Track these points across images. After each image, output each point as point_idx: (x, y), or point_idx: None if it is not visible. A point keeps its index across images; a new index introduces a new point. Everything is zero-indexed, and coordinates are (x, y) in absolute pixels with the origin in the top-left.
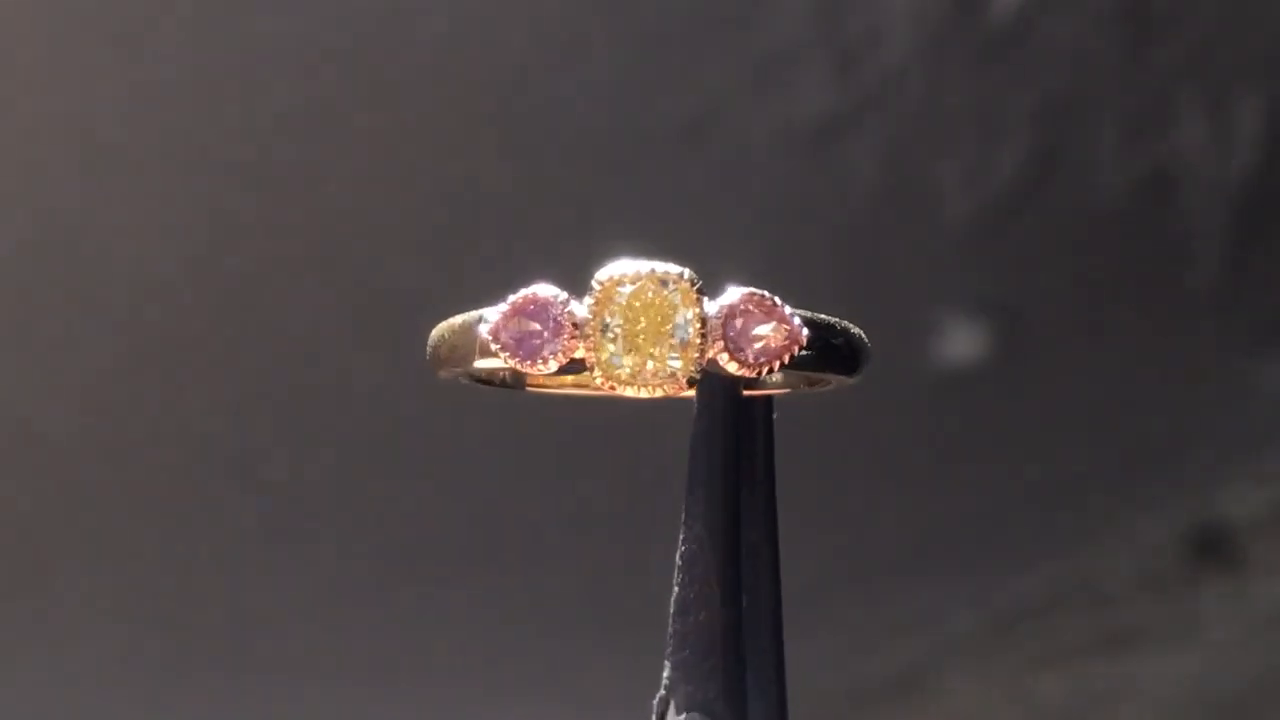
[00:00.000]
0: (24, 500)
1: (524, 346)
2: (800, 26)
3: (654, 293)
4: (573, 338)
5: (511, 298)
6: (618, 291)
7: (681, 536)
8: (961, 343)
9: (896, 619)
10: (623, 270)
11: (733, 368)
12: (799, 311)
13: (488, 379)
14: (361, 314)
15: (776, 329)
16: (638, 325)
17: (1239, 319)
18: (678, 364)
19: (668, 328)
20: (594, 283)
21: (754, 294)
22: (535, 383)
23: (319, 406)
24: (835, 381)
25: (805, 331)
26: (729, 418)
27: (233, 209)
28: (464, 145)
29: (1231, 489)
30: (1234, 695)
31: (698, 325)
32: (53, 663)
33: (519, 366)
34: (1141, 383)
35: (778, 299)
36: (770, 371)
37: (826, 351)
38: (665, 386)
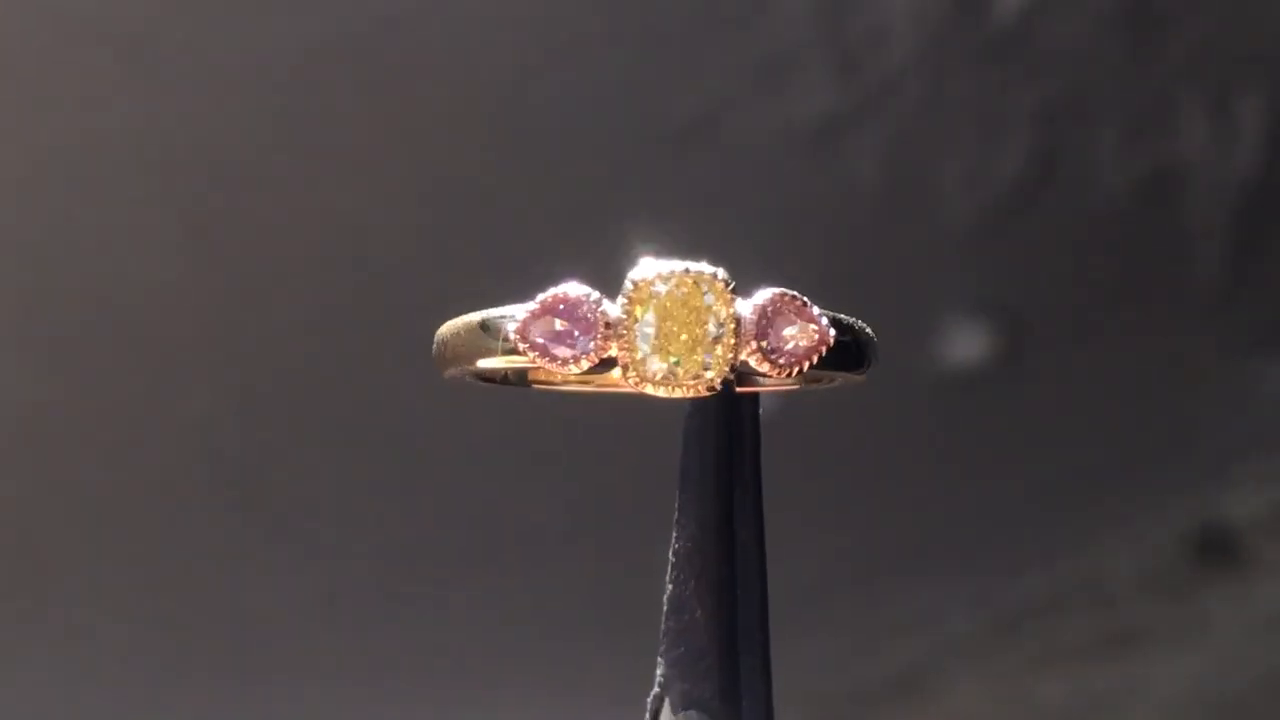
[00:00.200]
0: (24, 500)
1: (553, 346)
2: (801, 27)
3: (689, 292)
4: (606, 338)
5: (540, 296)
6: (652, 291)
7: (674, 534)
8: (963, 343)
9: (898, 619)
10: (656, 269)
11: (764, 369)
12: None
13: (492, 377)
14: (363, 315)
15: (805, 329)
16: (672, 326)
17: (1240, 319)
18: (711, 365)
19: (702, 329)
20: (628, 282)
21: (785, 294)
22: (538, 380)
23: (319, 407)
24: (841, 378)
25: (833, 332)
26: (722, 415)
27: (235, 209)
28: (465, 146)
29: (1233, 489)
30: (1236, 695)
31: (732, 326)
32: (52, 663)
33: (547, 366)
34: (1143, 383)
35: (806, 299)
36: (801, 373)
37: (836, 349)
38: (698, 387)
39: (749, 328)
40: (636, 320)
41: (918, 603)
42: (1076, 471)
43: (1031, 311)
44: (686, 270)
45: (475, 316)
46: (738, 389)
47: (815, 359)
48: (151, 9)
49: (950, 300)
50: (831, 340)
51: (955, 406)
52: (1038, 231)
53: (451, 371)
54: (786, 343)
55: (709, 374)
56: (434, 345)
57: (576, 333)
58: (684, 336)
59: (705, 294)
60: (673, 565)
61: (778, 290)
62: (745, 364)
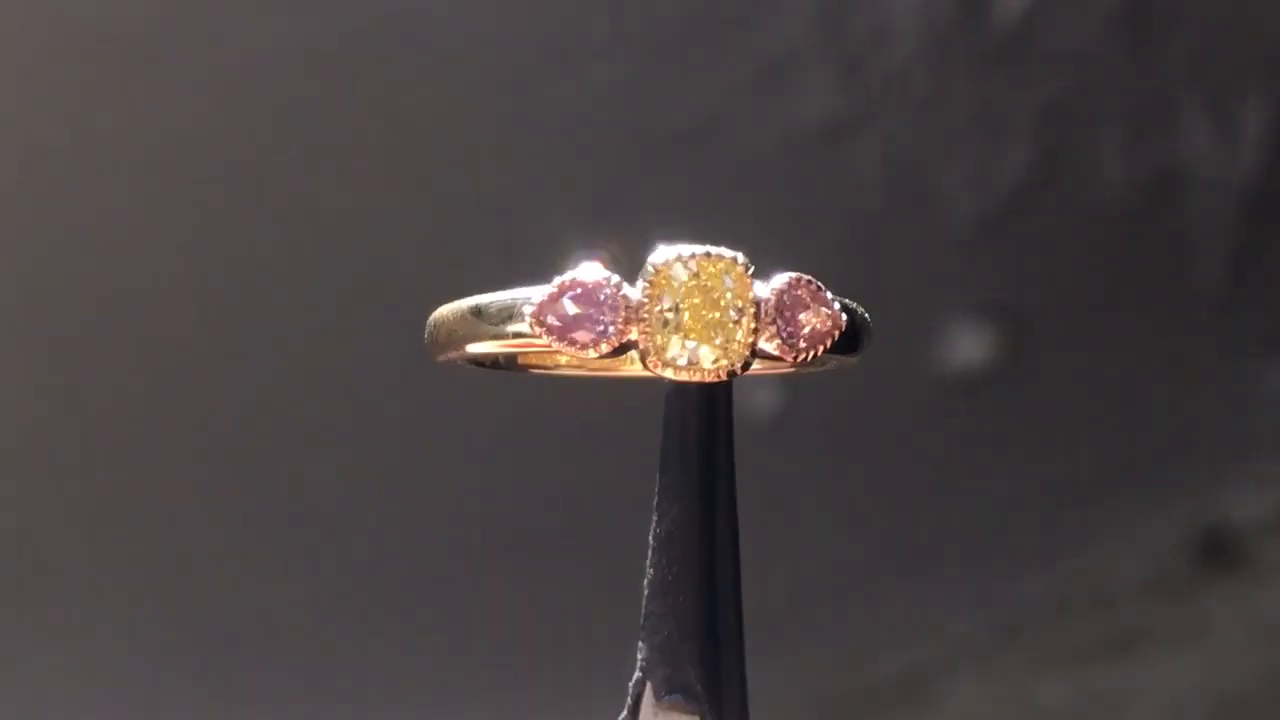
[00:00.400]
0: (24, 501)
1: (572, 329)
2: (804, 29)
3: (709, 276)
4: (627, 321)
5: (558, 278)
6: (672, 275)
7: (655, 519)
8: (965, 344)
9: (900, 621)
10: (677, 252)
11: (781, 352)
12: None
13: (483, 362)
14: (363, 315)
15: (819, 313)
16: (693, 310)
17: (1243, 321)
18: (731, 349)
19: (723, 313)
20: (648, 265)
21: (800, 278)
22: (531, 364)
23: (319, 408)
24: (836, 361)
25: (844, 317)
26: (702, 399)
27: (235, 210)
28: (465, 147)
29: (1236, 491)
30: (1238, 697)
31: (751, 310)
32: (52, 664)
33: (565, 350)
34: (1145, 385)
35: (820, 283)
36: (817, 358)
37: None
38: (718, 372)
39: (767, 312)
40: (657, 304)
41: (918, 604)
42: (1078, 472)
43: (1033, 312)
44: (707, 254)
45: (467, 302)
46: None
47: (829, 343)
48: (151, 9)
49: (952, 301)
50: (844, 325)
51: (957, 407)
52: (1040, 233)
53: (443, 356)
54: (803, 327)
55: (728, 358)
56: (426, 330)
57: (598, 316)
58: (704, 320)
59: (725, 278)
60: (653, 550)
61: (794, 274)
62: (761, 348)
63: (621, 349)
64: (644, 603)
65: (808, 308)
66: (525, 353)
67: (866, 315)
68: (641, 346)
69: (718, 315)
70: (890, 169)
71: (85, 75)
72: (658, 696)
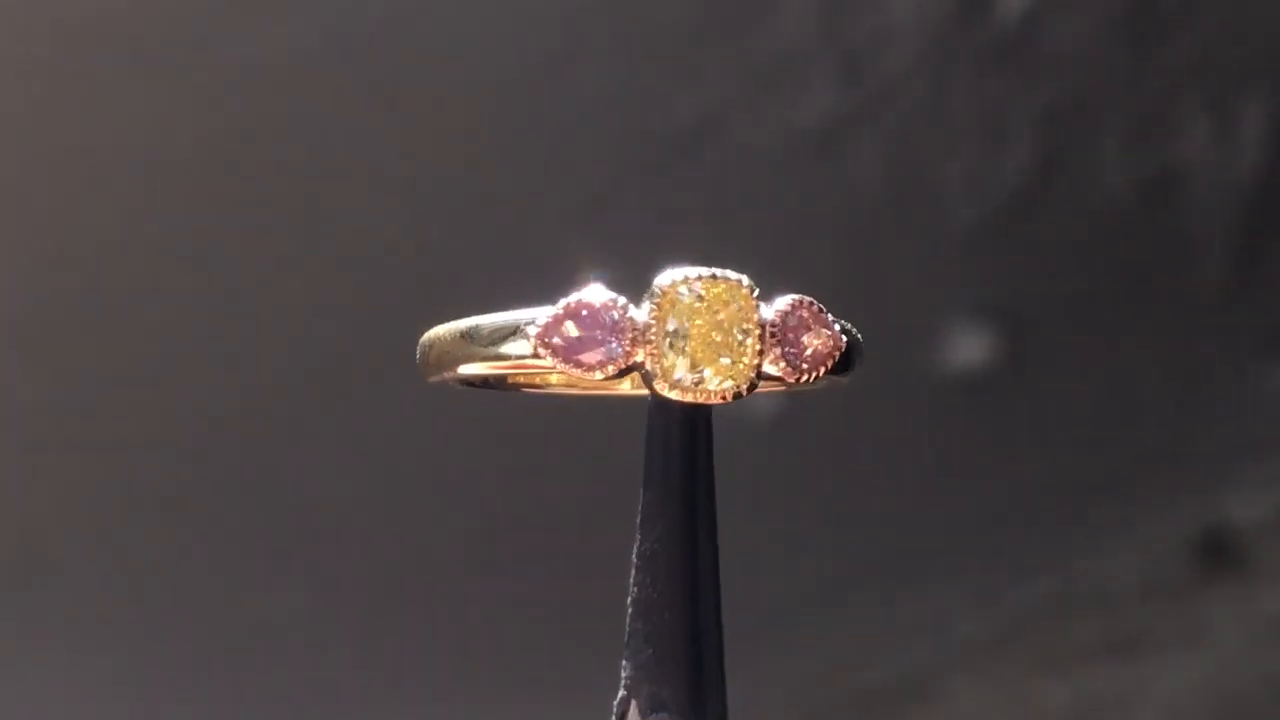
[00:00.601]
0: (24, 501)
1: (578, 351)
2: (805, 31)
3: (715, 298)
4: (634, 343)
5: (563, 300)
6: (679, 297)
7: (639, 537)
8: (966, 347)
9: (901, 623)
10: (684, 274)
11: (785, 374)
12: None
13: (475, 382)
14: (363, 316)
15: (821, 335)
16: (700, 332)
17: (1244, 322)
18: (736, 371)
19: (729, 335)
20: (655, 288)
21: (802, 300)
22: (525, 383)
23: (319, 409)
24: (828, 381)
25: (844, 338)
26: (684, 417)
27: (235, 212)
28: (465, 147)
29: (1237, 492)
30: (1239, 698)
31: (756, 332)
32: (52, 664)
33: (570, 372)
34: (1146, 386)
35: (821, 305)
36: (816, 379)
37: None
38: (724, 394)
39: (772, 334)
40: (664, 326)
41: (922, 607)
42: (1078, 473)
43: (1034, 314)
44: (713, 276)
45: (458, 325)
46: None
47: (830, 364)
48: (152, 9)
49: (953, 303)
50: (844, 345)
51: (957, 409)
52: (1040, 233)
53: (433, 378)
54: (805, 349)
55: (734, 380)
56: (418, 351)
57: (604, 338)
58: (711, 343)
59: (731, 300)
60: (637, 568)
61: (796, 296)
62: (764, 369)
63: (627, 371)
64: (627, 621)
65: (810, 329)
66: (515, 374)
67: (859, 335)
68: (648, 369)
69: (724, 337)
70: (890, 169)
71: (85, 75)
72: (643, 715)
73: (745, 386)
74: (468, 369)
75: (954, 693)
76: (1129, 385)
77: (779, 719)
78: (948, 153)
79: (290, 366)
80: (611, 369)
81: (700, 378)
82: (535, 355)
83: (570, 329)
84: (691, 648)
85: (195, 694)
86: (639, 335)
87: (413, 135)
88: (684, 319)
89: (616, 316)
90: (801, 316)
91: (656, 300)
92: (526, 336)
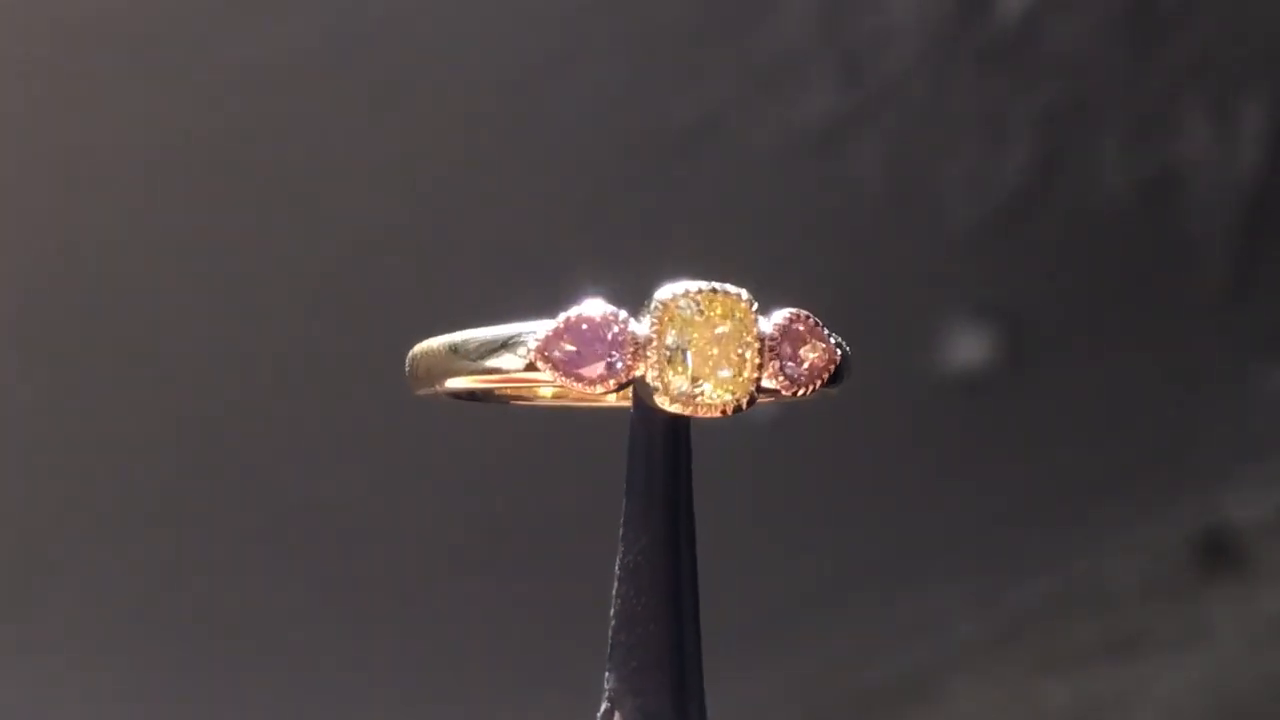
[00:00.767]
0: (24, 501)
1: (578, 365)
2: (805, 31)
3: (715, 312)
4: (635, 357)
5: (563, 314)
6: (679, 311)
7: (621, 549)
8: (966, 347)
9: (901, 623)
10: (684, 288)
11: (782, 387)
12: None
13: (463, 395)
14: (363, 316)
15: (817, 348)
16: (700, 346)
17: (1244, 322)
18: (736, 385)
19: (729, 349)
20: (655, 302)
21: (799, 313)
22: (513, 396)
23: (319, 409)
24: (820, 393)
25: (839, 351)
26: (667, 428)
27: (235, 212)
28: (465, 148)
29: (1237, 493)
30: (1239, 698)
31: (756, 346)
32: (52, 664)
33: (571, 385)
34: (1146, 386)
35: (817, 318)
36: (812, 392)
37: None
38: (725, 408)
39: (770, 348)
40: (664, 339)
41: (922, 607)
42: (1078, 473)
43: (1034, 314)
44: (713, 290)
45: (445, 339)
46: None
47: (826, 377)
48: (152, 9)
49: (953, 303)
50: (839, 358)
51: (957, 410)
52: (1040, 233)
53: (422, 391)
54: (803, 362)
55: (734, 394)
56: (406, 365)
57: (605, 352)
58: (711, 356)
59: (731, 314)
60: (621, 580)
61: (793, 310)
62: (762, 383)
63: (627, 385)
64: (610, 633)
65: (806, 342)
66: (502, 387)
67: (849, 348)
68: (649, 382)
69: (724, 351)
70: (890, 169)
71: (85, 75)
72: None
73: (745, 400)
74: (455, 383)
75: (954, 693)
76: (1129, 385)
77: (779, 719)
78: (948, 153)
79: (290, 366)
80: (613, 382)
81: (700, 391)
82: (533, 369)
83: (570, 343)
84: (675, 659)
85: (195, 694)
86: (639, 349)
87: (413, 135)
88: (684, 333)
89: (617, 330)
90: (798, 330)
91: (657, 314)
92: (517, 351)
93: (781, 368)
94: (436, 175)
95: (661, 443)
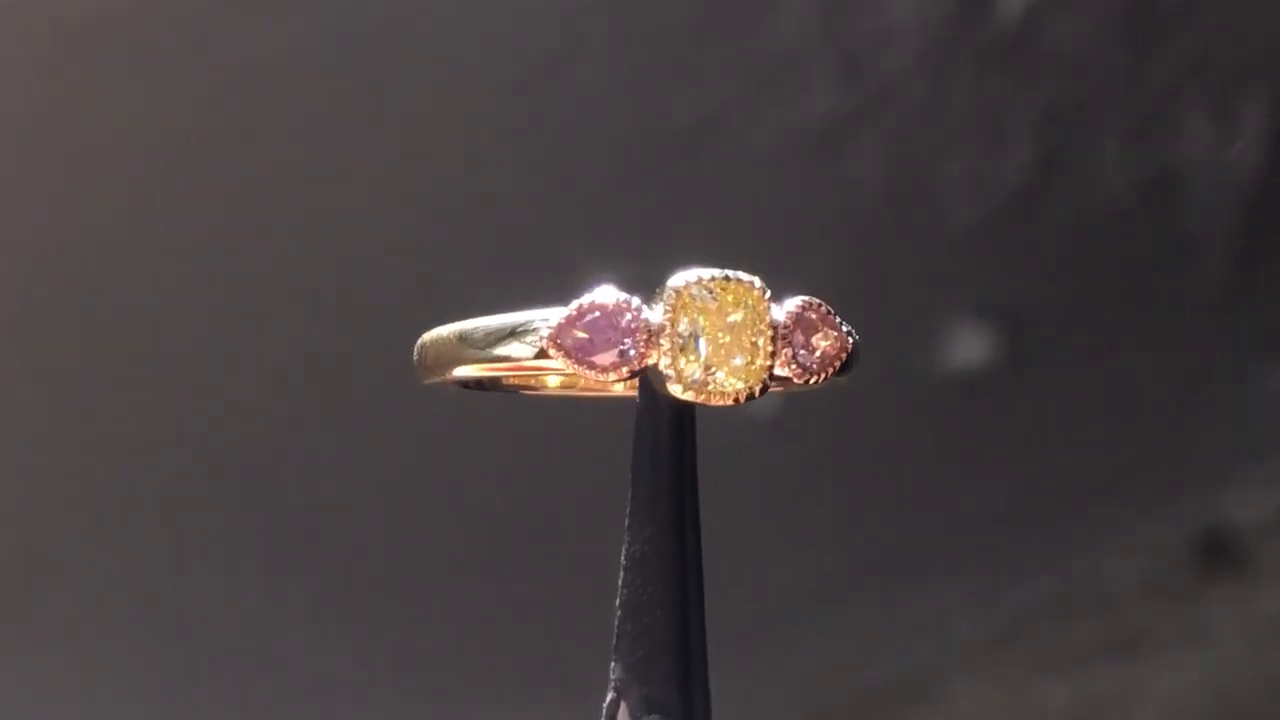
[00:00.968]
0: (24, 502)
1: (590, 353)
2: (805, 31)
3: (728, 300)
4: (649, 344)
5: (575, 301)
6: (691, 298)
7: (628, 538)
8: (966, 347)
9: (901, 623)
10: (697, 275)
11: (795, 375)
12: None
13: (470, 384)
14: (363, 316)
15: (829, 336)
16: (714, 333)
17: (1244, 322)
18: (749, 372)
19: (742, 337)
20: (668, 289)
21: (811, 302)
22: (521, 385)
23: (319, 409)
24: (829, 382)
25: (851, 340)
26: (672, 417)
27: (235, 212)
28: (465, 148)
29: (1237, 493)
30: (1239, 698)
31: (769, 334)
32: (52, 664)
33: (584, 373)
34: (1146, 386)
35: (829, 306)
36: (824, 380)
37: None
38: (739, 395)
39: (783, 335)
40: (677, 327)
41: (921, 607)
42: (1078, 473)
43: (1034, 314)
44: (726, 277)
45: (453, 327)
46: None
47: (838, 365)
48: (152, 9)
49: (953, 303)
50: (851, 346)
51: (956, 409)
52: (1040, 233)
53: (431, 379)
54: (815, 350)
55: (747, 382)
56: (414, 353)
57: (619, 339)
58: (724, 344)
59: (744, 301)
60: (627, 569)
61: (805, 298)
62: (774, 371)
63: (640, 372)
64: (616, 623)
65: (818, 330)
66: (509, 376)
67: (858, 337)
68: (662, 370)
69: (737, 339)
70: (890, 169)
71: (85, 75)
72: (634, 716)
73: (758, 387)
74: (463, 370)
75: (954, 693)
76: (1129, 385)
77: (779, 719)
78: (948, 153)
79: (290, 366)
80: (626, 370)
81: (713, 379)
82: (544, 356)
83: (584, 330)
84: (680, 648)
85: (195, 694)
86: (652, 337)
87: (413, 135)
88: (698, 320)
89: (630, 318)
90: (810, 318)
91: (670, 301)
92: (527, 339)
93: (794, 355)
94: (436, 175)
95: (667, 431)
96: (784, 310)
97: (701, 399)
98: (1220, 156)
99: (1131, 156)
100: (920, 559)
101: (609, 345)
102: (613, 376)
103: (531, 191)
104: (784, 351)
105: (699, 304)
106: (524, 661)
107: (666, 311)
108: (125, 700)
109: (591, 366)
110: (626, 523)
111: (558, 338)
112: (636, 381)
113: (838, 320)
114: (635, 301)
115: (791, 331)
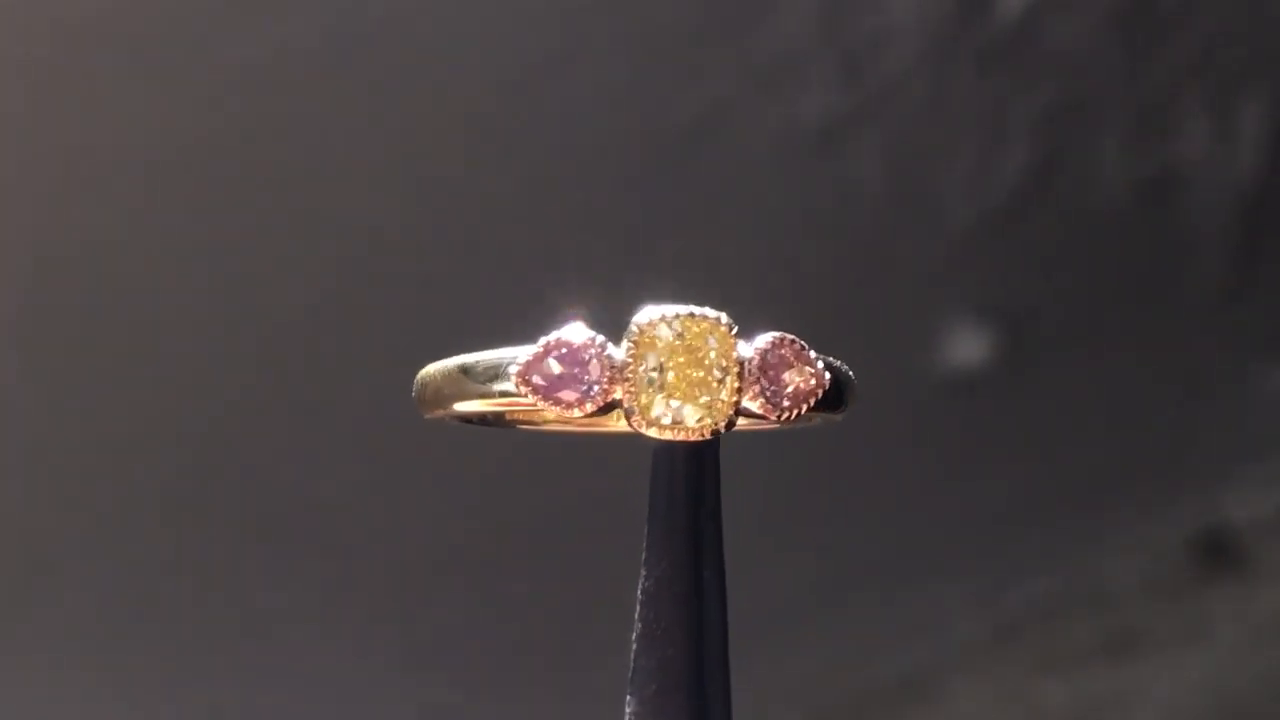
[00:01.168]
0: (24, 502)
1: (557, 389)
2: (805, 31)
3: (693, 337)
4: (612, 380)
5: (543, 339)
6: (656, 335)
7: (644, 572)
8: (965, 347)
9: (901, 623)
10: (661, 313)
11: (764, 411)
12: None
13: (472, 419)
14: (363, 316)
15: (803, 372)
16: (677, 370)
17: (1244, 322)
18: (715, 409)
19: (707, 373)
20: (632, 326)
21: (784, 338)
22: (520, 420)
23: (319, 409)
24: (820, 418)
25: (828, 376)
26: (689, 455)
27: (235, 212)
28: (465, 148)
29: (1237, 492)
30: (1239, 698)
31: (735, 370)
32: (52, 664)
33: (550, 409)
34: (1146, 386)
35: (804, 342)
36: (798, 417)
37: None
38: (702, 431)
39: (751, 372)
40: (642, 364)
41: (921, 607)
42: (1077, 473)
43: (1033, 313)
44: (691, 314)
45: (454, 361)
46: None
47: (812, 402)
48: (152, 9)
49: (952, 303)
50: (828, 383)
51: (956, 410)
52: (1039, 233)
53: (432, 414)
54: (786, 386)
55: (712, 417)
56: (414, 388)
57: (581, 376)
58: (689, 380)
59: (709, 338)
60: (641, 604)
61: (777, 334)
62: (745, 407)
63: (607, 408)
64: (632, 656)
65: (791, 367)
66: (512, 411)
67: (850, 372)
68: (626, 406)
69: (702, 374)
70: (890, 169)
71: (85, 75)
72: None
73: (723, 423)
74: (463, 406)
75: (954, 693)
76: (1129, 385)
77: (779, 719)
78: (948, 153)
79: (290, 366)
80: (590, 406)
81: (679, 415)
82: (516, 393)
83: (550, 367)
84: (695, 685)
85: (195, 693)
86: (617, 373)
87: (413, 135)
88: (662, 356)
89: (595, 354)
90: (782, 354)
91: (634, 339)
92: (509, 375)
93: (763, 391)
94: (436, 175)
95: (683, 466)
96: (753, 346)
97: (667, 435)
98: (1220, 156)
99: (1131, 156)
100: (920, 559)
101: (574, 382)
102: (577, 413)
103: (531, 192)
104: (752, 387)
105: (664, 341)
106: (524, 661)
107: (629, 349)
108: (125, 700)
109: (557, 402)
110: (643, 556)
111: (526, 374)
112: (622, 416)
113: (813, 356)
114: (600, 339)
115: (761, 368)
